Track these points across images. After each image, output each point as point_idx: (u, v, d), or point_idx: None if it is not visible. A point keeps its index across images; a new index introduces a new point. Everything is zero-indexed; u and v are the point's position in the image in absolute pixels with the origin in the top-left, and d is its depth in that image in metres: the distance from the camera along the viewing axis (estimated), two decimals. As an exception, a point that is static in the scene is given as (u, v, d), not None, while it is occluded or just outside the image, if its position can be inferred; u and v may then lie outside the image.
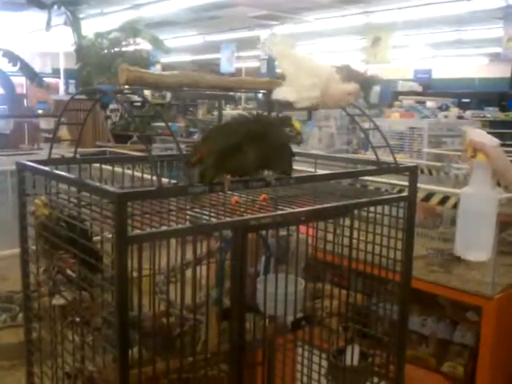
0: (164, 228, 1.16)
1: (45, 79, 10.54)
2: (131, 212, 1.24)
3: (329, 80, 1.44)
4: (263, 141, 1.26)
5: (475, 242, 1.43)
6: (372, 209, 1.60)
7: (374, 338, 1.72)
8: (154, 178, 1.47)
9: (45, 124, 9.08)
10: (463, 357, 2.91)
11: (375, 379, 1.70)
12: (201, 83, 1.40)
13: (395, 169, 1.55)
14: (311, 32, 11.04)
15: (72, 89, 10.76)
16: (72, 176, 1.27)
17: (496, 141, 1.44)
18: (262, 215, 1.27)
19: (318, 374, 1.78)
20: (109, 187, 1.14)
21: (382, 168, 1.54)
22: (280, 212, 1.30)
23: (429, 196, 2.93)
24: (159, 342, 1.40)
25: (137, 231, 1.11)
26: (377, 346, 1.72)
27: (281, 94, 1.43)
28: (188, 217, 1.28)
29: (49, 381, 1.49)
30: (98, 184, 1.17)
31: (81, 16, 9.75)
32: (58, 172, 1.32)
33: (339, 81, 1.47)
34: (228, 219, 1.25)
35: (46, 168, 1.36)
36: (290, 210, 1.31)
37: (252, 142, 1.24)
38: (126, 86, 1.36)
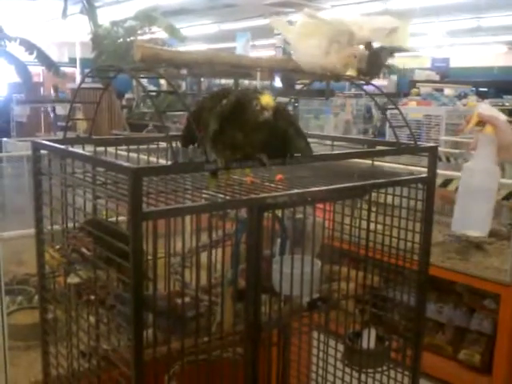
0: (178, 205, 1.14)
1: (61, 68, 10.57)
2: (147, 190, 1.24)
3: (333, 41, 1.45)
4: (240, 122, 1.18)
5: (475, 218, 1.37)
6: (390, 191, 1.57)
7: (390, 323, 1.70)
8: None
9: (61, 110, 9.14)
10: (480, 345, 2.88)
11: (391, 364, 1.68)
12: (216, 61, 1.38)
13: (414, 149, 1.52)
14: (327, 20, 10.93)
15: (88, 78, 10.79)
16: (87, 153, 1.26)
17: (504, 116, 1.42)
18: (278, 194, 1.25)
19: (333, 359, 1.76)
20: (124, 163, 1.12)
21: (401, 148, 1.51)
22: (296, 191, 1.27)
23: (446, 182, 2.90)
24: (173, 323, 1.39)
25: (152, 208, 1.09)
26: (393, 330, 1.70)
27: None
28: (204, 195, 1.26)
29: (64, 360, 1.49)
30: (113, 160, 1.16)
31: (97, 4, 9.75)
32: (72, 149, 1.31)
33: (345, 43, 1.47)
34: (244, 198, 1.23)
35: (62, 146, 1.35)
36: (306, 189, 1.29)
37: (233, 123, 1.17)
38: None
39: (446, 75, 14.27)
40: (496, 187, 1.36)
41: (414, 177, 1.58)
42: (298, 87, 1.87)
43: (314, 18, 1.49)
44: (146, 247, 1.50)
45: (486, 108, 1.40)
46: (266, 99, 1.15)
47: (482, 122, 1.37)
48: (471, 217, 1.36)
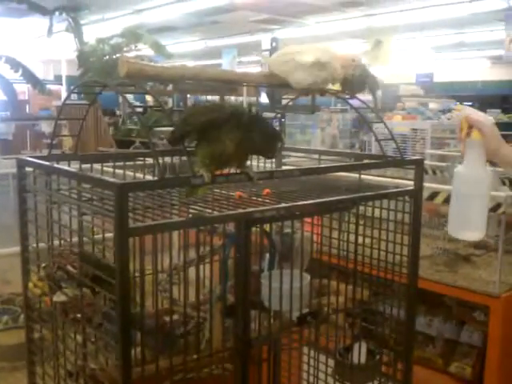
0: (165, 220, 1.13)
1: (47, 86, 10.53)
2: (133, 206, 1.22)
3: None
4: (242, 123, 1.19)
5: (469, 222, 1.37)
6: (377, 205, 1.57)
7: (380, 336, 1.69)
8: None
9: (47, 127, 9.10)
10: (471, 357, 2.87)
11: (382, 378, 1.67)
12: (202, 76, 1.38)
13: (401, 162, 1.52)
14: (312, 36, 11.04)
15: (74, 95, 10.78)
16: (72, 169, 1.25)
17: (491, 119, 1.41)
18: (265, 208, 1.25)
19: (324, 374, 1.74)
20: (109, 178, 1.11)
21: (388, 161, 1.52)
22: (284, 205, 1.27)
23: (433, 195, 2.90)
24: (162, 341, 1.37)
25: (138, 223, 1.08)
26: (383, 344, 1.70)
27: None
28: (191, 210, 1.25)
29: (51, 380, 1.46)
30: (98, 175, 1.15)
31: (82, 22, 9.76)
32: (58, 166, 1.29)
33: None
34: (231, 212, 1.22)
35: (47, 163, 1.33)
36: (294, 203, 1.29)
37: (230, 123, 1.18)
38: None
39: (431, 90, 14.42)
40: (486, 191, 1.37)
41: (400, 189, 1.58)
42: (283, 102, 1.87)
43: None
44: (133, 264, 1.49)
45: (471, 111, 1.40)
46: None
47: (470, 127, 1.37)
48: (465, 221, 1.37)
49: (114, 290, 1.09)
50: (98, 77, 8.94)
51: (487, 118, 1.39)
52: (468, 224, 1.37)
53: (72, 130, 6.45)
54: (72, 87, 1.60)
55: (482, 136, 1.33)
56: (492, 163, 1.42)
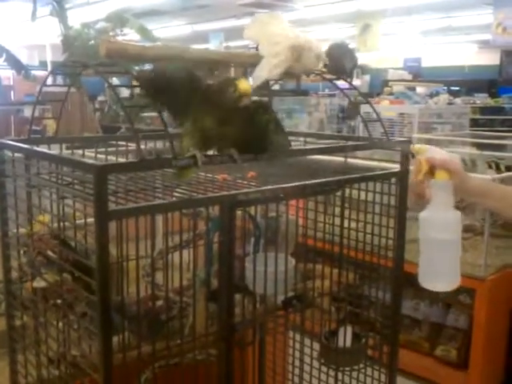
0: (147, 203, 1.11)
1: (32, 72, 10.39)
2: (115, 190, 1.20)
3: (297, 47, 1.41)
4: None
5: (442, 272, 1.25)
6: (364, 187, 1.56)
7: (366, 320, 1.68)
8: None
9: (30, 113, 9.00)
10: (456, 340, 2.90)
11: (368, 362, 1.67)
12: (185, 55, 1.35)
13: (387, 144, 1.51)
14: (300, 20, 10.95)
15: (59, 80, 10.62)
16: (51, 152, 1.22)
17: (457, 156, 1.32)
18: (250, 190, 1.23)
19: (310, 358, 1.74)
20: (89, 160, 1.08)
21: (374, 142, 1.50)
22: (269, 187, 1.25)
23: (420, 179, 2.90)
24: (146, 327, 1.36)
25: (119, 206, 1.06)
26: (369, 327, 1.69)
27: (256, 73, 1.39)
28: (174, 194, 1.23)
29: (33, 368, 1.44)
30: (77, 158, 1.12)
31: (67, 6, 9.59)
32: (36, 148, 1.26)
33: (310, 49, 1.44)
34: (215, 194, 1.20)
35: (25, 145, 1.30)
36: (278, 185, 1.27)
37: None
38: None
39: (419, 75, 14.42)
40: (458, 234, 1.23)
41: (386, 171, 1.56)
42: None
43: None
44: (119, 250, 1.47)
45: (434, 151, 1.26)
46: (244, 85, 1.11)
47: (432, 168, 1.24)
48: (437, 271, 1.24)
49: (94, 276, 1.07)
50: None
51: (452, 155, 1.27)
52: (441, 275, 1.25)
53: (55, 115, 6.38)
54: (52, 68, 1.56)
55: (452, 175, 1.22)
56: None
